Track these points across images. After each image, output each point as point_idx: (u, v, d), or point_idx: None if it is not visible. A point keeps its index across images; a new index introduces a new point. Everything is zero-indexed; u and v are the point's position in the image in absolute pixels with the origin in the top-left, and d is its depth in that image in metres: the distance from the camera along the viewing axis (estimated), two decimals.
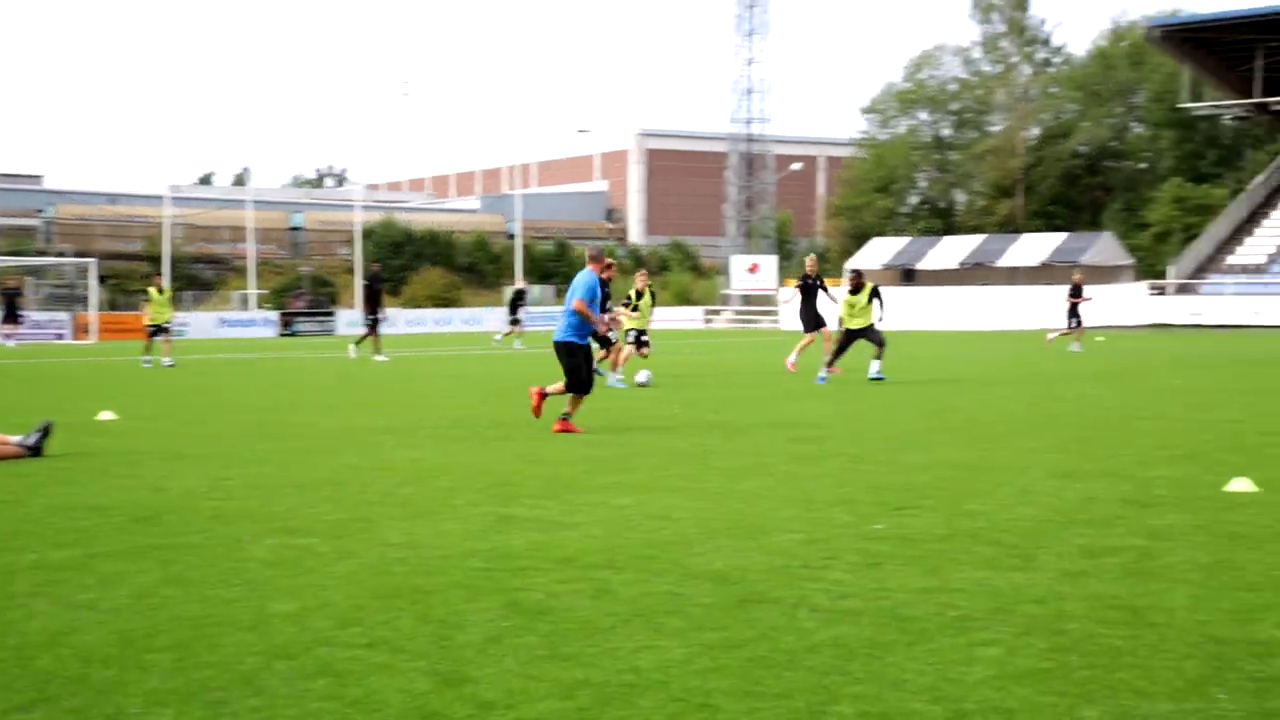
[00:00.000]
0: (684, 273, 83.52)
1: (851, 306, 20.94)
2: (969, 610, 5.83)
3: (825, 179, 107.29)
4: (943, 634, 5.44)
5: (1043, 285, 55.02)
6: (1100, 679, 4.82)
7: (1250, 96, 59.90)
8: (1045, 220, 76.52)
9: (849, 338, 21.06)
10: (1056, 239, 62.41)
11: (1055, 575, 6.52)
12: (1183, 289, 55.24)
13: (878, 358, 20.88)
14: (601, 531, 7.84)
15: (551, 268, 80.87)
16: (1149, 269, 62.07)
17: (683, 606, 5.95)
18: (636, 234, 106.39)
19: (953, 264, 63.51)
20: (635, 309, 21.59)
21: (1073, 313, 33.21)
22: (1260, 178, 64.60)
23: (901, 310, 51.58)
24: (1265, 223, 60.75)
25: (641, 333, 21.59)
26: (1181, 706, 4.51)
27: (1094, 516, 8.18)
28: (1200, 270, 58.62)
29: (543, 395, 13.99)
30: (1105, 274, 57.65)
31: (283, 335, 54.24)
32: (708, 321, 66.42)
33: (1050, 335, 34.87)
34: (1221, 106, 65.06)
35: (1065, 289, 34.55)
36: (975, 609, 5.86)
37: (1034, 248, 61.57)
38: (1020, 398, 17.83)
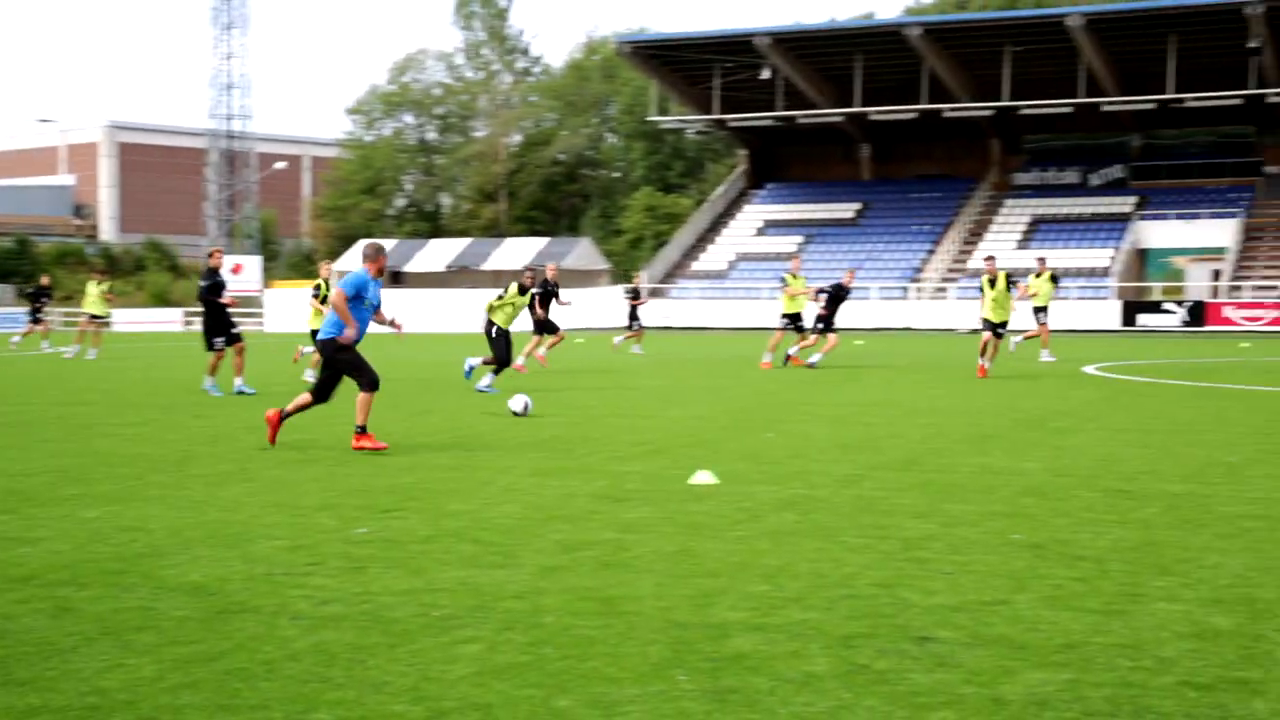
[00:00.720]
0: (162, 273, 79.60)
1: (514, 308, 19.78)
2: (451, 609, 5.92)
3: (311, 179, 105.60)
4: (425, 634, 5.49)
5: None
6: (574, 668, 5.01)
7: (711, 112, 64.23)
8: (528, 225, 78.97)
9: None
10: (539, 243, 64.56)
11: (534, 571, 6.73)
12: (655, 293, 58.50)
13: (495, 371, 19.42)
14: (66, 546, 7.36)
15: (12, 266, 75.01)
16: (624, 274, 65.37)
17: (155, 621, 5.69)
18: (109, 231, 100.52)
19: (439, 266, 64.35)
20: (325, 301, 20.24)
21: (633, 315, 34.09)
22: (720, 189, 69.57)
23: (387, 312, 51.60)
24: (725, 231, 65.44)
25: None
26: (646, 690, 4.77)
27: (571, 512, 8.51)
28: (670, 275, 62.33)
29: (280, 418, 12.27)
30: (584, 278, 60.19)
31: None
32: (187, 324, 63.66)
33: (616, 340, 35.06)
34: (686, 121, 69.40)
35: (623, 290, 35.58)
36: (457, 607, 5.95)
37: (518, 251, 63.38)
38: (503, 400, 18.24)
